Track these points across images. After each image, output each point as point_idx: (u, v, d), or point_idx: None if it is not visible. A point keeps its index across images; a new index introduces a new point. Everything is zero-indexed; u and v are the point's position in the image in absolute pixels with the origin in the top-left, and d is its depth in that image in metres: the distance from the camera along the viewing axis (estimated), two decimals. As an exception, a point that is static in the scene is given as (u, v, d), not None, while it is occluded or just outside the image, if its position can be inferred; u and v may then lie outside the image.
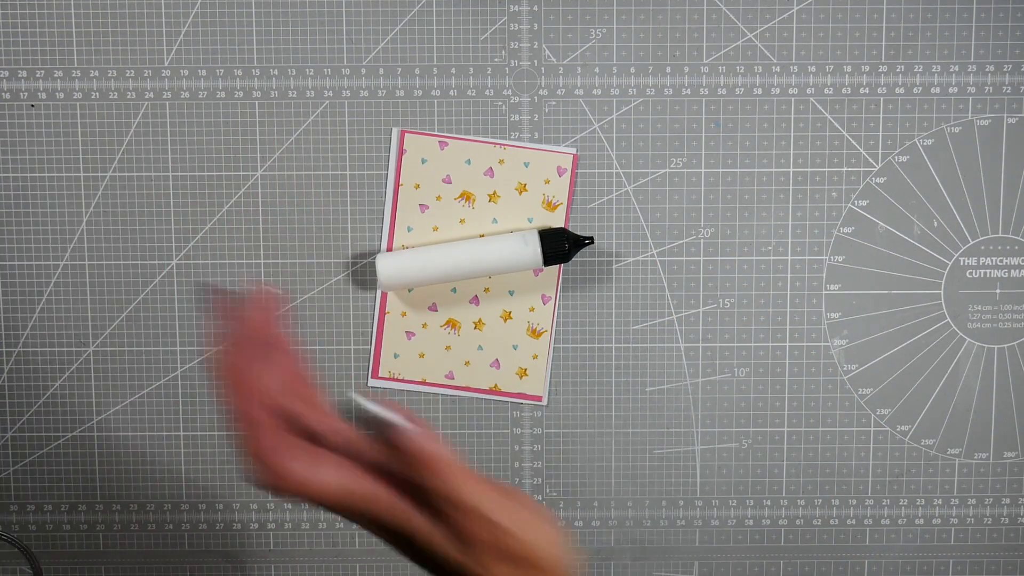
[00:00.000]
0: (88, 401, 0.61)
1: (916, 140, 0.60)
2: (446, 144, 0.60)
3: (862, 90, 0.59)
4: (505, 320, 0.61)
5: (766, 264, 0.60)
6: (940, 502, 0.62)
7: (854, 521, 0.62)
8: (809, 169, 0.60)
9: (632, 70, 0.59)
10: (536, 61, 0.59)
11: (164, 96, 0.59)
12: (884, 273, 0.60)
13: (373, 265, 0.60)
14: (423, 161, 0.60)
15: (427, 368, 0.61)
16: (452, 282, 0.60)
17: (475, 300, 0.60)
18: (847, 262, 0.60)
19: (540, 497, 0.62)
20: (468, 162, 0.60)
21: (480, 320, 0.61)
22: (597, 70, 0.59)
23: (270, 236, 0.60)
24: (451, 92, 0.59)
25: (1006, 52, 0.59)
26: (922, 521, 0.62)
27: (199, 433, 0.62)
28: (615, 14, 0.59)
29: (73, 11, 0.59)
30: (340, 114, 0.60)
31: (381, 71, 0.59)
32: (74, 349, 0.61)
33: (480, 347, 0.61)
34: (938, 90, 0.59)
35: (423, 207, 0.60)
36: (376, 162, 0.60)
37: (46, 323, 0.61)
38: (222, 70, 0.59)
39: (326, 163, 0.60)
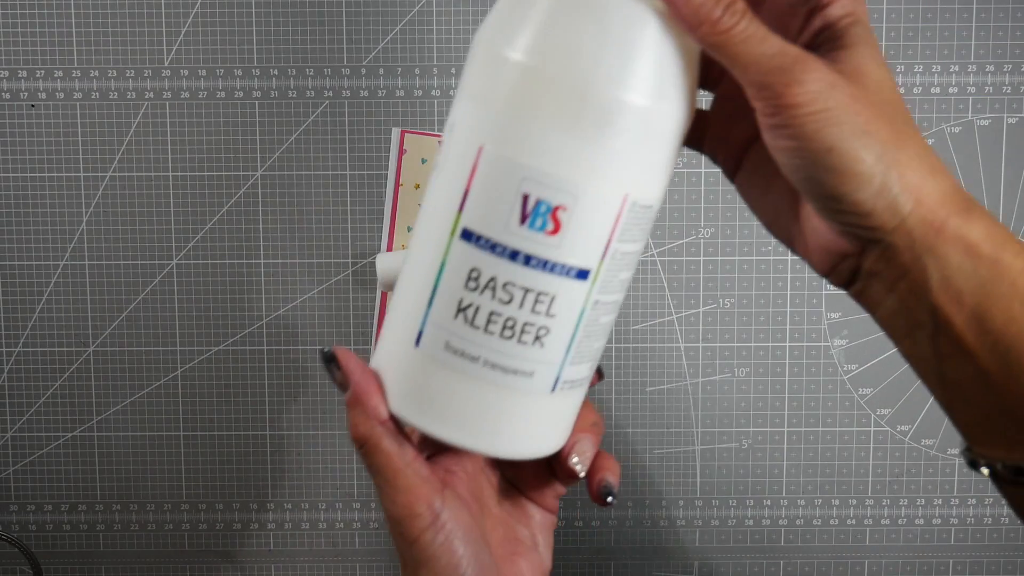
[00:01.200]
0: (88, 401, 0.61)
1: (916, 140, 0.60)
2: (446, 144, 0.60)
3: (862, 90, 0.59)
4: (505, 320, 0.60)
5: (766, 264, 0.60)
6: (940, 502, 0.62)
7: (854, 521, 0.62)
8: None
9: (632, 70, 0.59)
10: (536, 61, 0.59)
11: (164, 96, 0.59)
12: (884, 273, 0.60)
13: (373, 265, 0.60)
14: (423, 161, 0.60)
15: (427, 368, 0.61)
16: (452, 282, 0.60)
17: (475, 300, 0.60)
18: (847, 262, 0.60)
19: (540, 497, 0.62)
20: (468, 162, 0.60)
21: (480, 320, 0.60)
22: (597, 70, 0.59)
23: (270, 236, 0.60)
24: (451, 92, 0.59)
25: (1006, 52, 0.59)
26: (922, 521, 0.62)
27: (199, 433, 0.62)
28: (615, 14, 0.59)
29: (73, 11, 0.59)
30: (340, 114, 0.60)
31: (381, 71, 0.59)
32: (74, 349, 0.61)
33: (480, 347, 0.61)
34: (938, 90, 0.59)
35: (423, 207, 0.60)
36: (376, 162, 0.60)
37: (46, 323, 0.61)
38: (222, 70, 0.59)
39: (326, 163, 0.60)
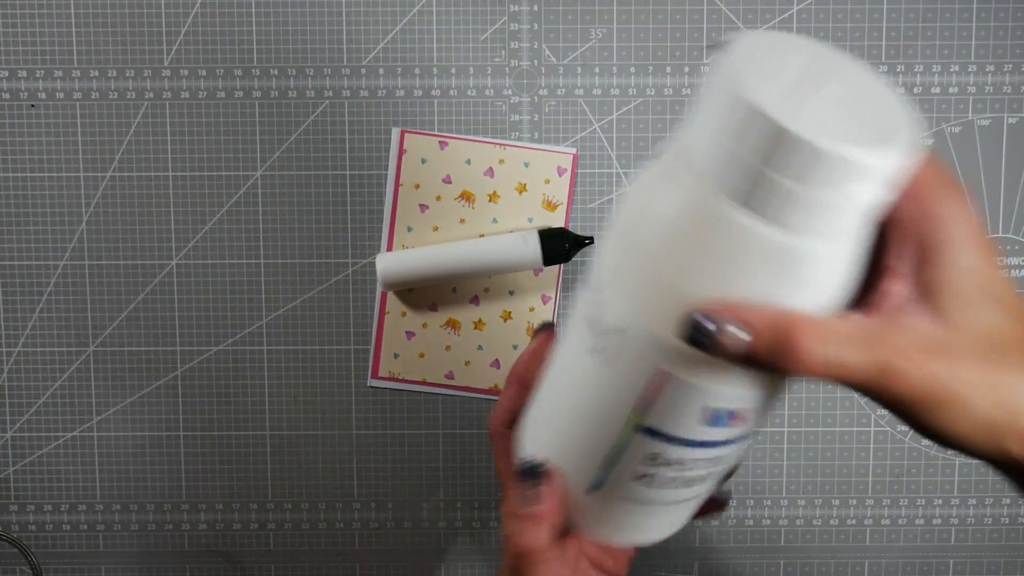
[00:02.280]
0: (88, 401, 0.61)
1: (916, 140, 0.60)
2: (446, 144, 0.60)
3: (862, 90, 0.59)
4: (505, 320, 0.61)
5: (766, 264, 0.60)
6: (940, 502, 0.62)
7: (854, 521, 0.62)
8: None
9: (632, 70, 0.59)
10: (536, 61, 0.59)
11: (164, 96, 0.59)
12: (884, 273, 0.60)
13: (373, 265, 0.60)
14: (423, 161, 0.60)
15: (427, 368, 0.61)
16: (452, 282, 0.60)
17: (475, 300, 0.60)
18: (847, 262, 0.60)
19: (540, 497, 0.62)
20: (468, 162, 0.60)
21: (480, 320, 0.61)
22: (597, 70, 0.59)
23: (270, 236, 0.60)
24: (451, 92, 0.59)
25: (1006, 52, 0.59)
26: (922, 521, 0.62)
27: (199, 433, 0.62)
28: (615, 14, 0.59)
29: (73, 11, 0.59)
30: (340, 114, 0.60)
31: (381, 71, 0.59)
32: (74, 349, 0.61)
33: (480, 347, 0.61)
34: (938, 90, 0.59)
35: (423, 207, 0.60)
36: (376, 162, 0.60)
37: (46, 323, 0.61)
38: (222, 70, 0.59)
39: (326, 163, 0.60)
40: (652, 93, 0.59)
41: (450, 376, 0.61)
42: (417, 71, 0.59)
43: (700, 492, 0.39)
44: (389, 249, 0.60)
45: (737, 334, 0.30)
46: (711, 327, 0.31)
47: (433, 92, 0.59)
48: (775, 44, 0.31)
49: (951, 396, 0.31)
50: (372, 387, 0.61)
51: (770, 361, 0.31)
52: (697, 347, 0.31)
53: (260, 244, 0.60)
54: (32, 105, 0.59)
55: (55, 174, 0.60)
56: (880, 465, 0.62)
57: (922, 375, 0.31)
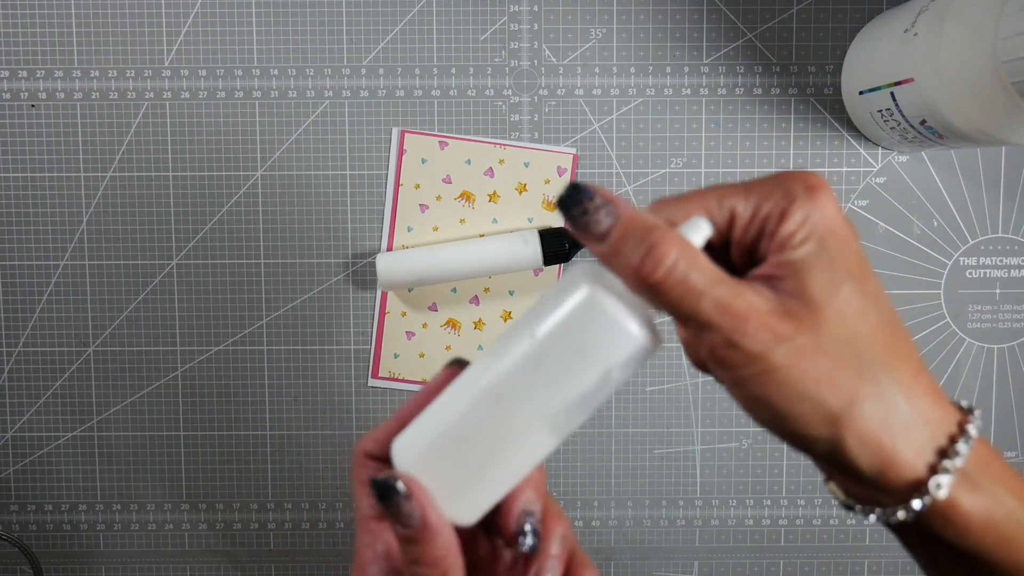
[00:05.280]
0: (88, 401, 0.61)
1: (916, 140, 0.60)
2: (446, 144, 0.60)
3: (862, 90, 0.59)
4: (505, 320, 0.61)
5: (766, 264, 0.60)
6: (940, 502, 0.62)
7: (854, 521, 0.62)
8: (809, 169, 0.60)
9: (632, 70, 0.59)
10: (536, 61, 0.59)
11: (164, 96, 0.59)
12: (884, 273, 0.60)
13: (373, 265, 0.60)
14: (423, 161, 0.60)
15: (427, 368, 0.61)
16: (452, 282, 0.60)
17: (475, 300, 0.60)
18: (847, 262, 0.60)
19: (540, 497, 0.62)
20: (468, 162, 0.60)
21: (480, 320, 0.61)
22: (597, 70, 0.59)
23: (270, 236, 0.60)
24: (451, 92, 0.59)
25: (1006, 52, 0.59)
26: (922, 521, 0.62)
27: (199, 433, 0.62)
28: (615, 14, 0.59)
29: (73, 11, 0.59)
30: (340, 114, 0.60)
31: (381, 71, 0.59)
32: (74, 349, 0.61)
33: (480, 347, 0.61)
34: (938, 90, 0.59)
35: (423, 207, 0.60)
36: (376, 162, 0.60)
37: (46, 323, 0.61)
38: (222, 70, 0.59)
39: (326, 163, 0.60)
40: (652, 93, 0.60)
41: (450, 376, 0.61)
42: (417, 71, 0.59)
43: None
44: (389, 249, 0.60)
45: (605, 216, 0.29)
46: (593, 200, 0.29)
47: (433, 92, 0.60)
48: None
49: (793, 383, 0.28)
50: (372, 387, 0.61)
51: (627, 255, 0.29)
52: (565, 212, 0.30)
53: (260, 244, 0.60)
54: (32, 105, 0.59)
55: (55, 174, 0.60)
56: (880, 465, 0.62)
57: (778, 343, 0.28)
